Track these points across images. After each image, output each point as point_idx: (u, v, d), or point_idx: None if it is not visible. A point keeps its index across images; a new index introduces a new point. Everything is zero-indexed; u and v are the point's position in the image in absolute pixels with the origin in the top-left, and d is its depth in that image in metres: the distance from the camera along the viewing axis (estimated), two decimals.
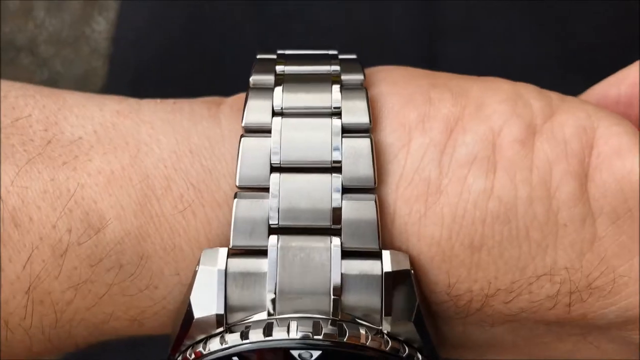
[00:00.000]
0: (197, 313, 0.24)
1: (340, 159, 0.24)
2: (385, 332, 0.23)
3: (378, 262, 0.23)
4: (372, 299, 0.23)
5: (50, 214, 0.25)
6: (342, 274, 0.23)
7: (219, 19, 0.52)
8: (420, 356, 0.24)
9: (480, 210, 0.24)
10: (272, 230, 0.24)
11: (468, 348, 0.28)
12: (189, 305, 0.24)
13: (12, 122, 0.26)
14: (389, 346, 0.23)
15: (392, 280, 0.23)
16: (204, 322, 0.24)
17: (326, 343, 0.23)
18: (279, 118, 0.25)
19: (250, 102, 0.25)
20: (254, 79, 0.26)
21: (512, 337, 0.27)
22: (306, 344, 0.23)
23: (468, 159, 0.24)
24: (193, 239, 0.25)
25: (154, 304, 0.26)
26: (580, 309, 0.25)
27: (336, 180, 0.24)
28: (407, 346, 0.24)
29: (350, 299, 0.23)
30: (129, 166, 0.25)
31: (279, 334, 0.23)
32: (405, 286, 0.24)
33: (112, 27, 1.14)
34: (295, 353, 0.23)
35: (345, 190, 0.24)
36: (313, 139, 0.24)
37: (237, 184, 0.24)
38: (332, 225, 0.24)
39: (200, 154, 0.26)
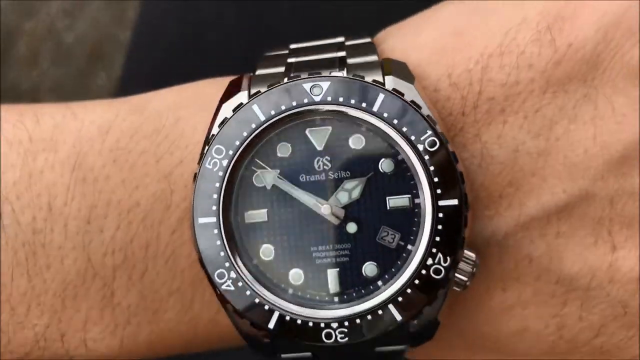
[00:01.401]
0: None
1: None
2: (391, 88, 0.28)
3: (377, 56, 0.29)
4: (372, 61, 0.28)
5: (98, 107, 0.31)
6: (347, 61, 0.29)
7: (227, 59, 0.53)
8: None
9: None
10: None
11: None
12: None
13: None
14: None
15: (389, 63, 0.28)
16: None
17: (332, 75, 0.27)
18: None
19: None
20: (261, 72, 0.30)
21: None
22: (315, 76, 0.27)
23: None
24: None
25: (182, 161, 0.29)
26: (564, 41, 0.28)
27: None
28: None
29: (352, 62, 0.28)
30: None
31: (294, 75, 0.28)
32: (403, 70, 0.28)
33: (115, 83, 1.17)
34: (307, 88, 0.27)
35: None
36: None
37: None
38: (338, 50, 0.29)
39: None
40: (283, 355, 0.28)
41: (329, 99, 0.27)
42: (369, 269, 0.27)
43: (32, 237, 0.29)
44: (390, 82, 0.27)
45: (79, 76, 1.24)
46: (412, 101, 0.27)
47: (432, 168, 0.26)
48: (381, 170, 0.27)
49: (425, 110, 0.27)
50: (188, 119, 0.30)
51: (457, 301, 0.30)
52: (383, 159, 0.27)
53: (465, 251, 0.27)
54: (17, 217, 0.29)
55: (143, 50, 0.60)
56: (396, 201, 0.27)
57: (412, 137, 0.27)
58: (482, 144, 0.28)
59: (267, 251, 0.28)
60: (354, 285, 0.27)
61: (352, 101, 0.27)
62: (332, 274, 0.27)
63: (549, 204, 0.28)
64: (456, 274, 0.27)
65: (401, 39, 0.30)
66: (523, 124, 0.28)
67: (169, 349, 0.31)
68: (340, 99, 0.27)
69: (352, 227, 0.27)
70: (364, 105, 0.27)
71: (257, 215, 0.28)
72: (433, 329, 0.28)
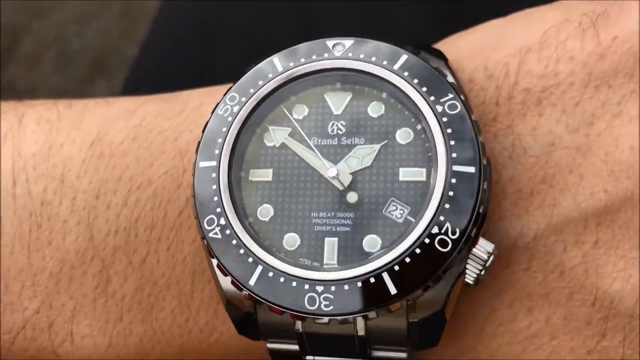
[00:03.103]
0: None
1: None
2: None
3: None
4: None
5: (131, 98, 0.32)
6: None
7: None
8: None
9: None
10: None
11: None
12: None
13: None
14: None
15: (423, 46, 0.28)
16: None
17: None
18: None
19: None
20: None
21: None
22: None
23: None
24: None
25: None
26: (609, 34, 0.26)
27: None
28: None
29: None
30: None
31: None
32: (437, 52, 0.27)
33: (114, 94, 1.16)
34: (330, 45, 0.27)
35: None
36: None
37: None
38: None
39: None
40: (269, 346, 0.26)
41: (350, 54, 0.26)
42: (371, 242, 0.25)
43: (40, 208, 0.28)
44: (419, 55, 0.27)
45: (79, 83, 1.23)
46: (437, 68, 0.26)
47: (449, 130, 0.24)
48: (398, 140, 0.26)
49: (450, 79, 0.26)
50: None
51: (473, 319, 0.26)
52: (401, 128, 0.26)
53: (482, 239, 0.24)
54: (29, 187, 0.29)
55: (147, 66, 0.60)
56: (409, 173, 0.25)
57: (432, 98, 0.25)
58: (515, 136, 0.26)
59: (264, 211, 0.26)
60: (351, 257, 0.25)
61: (373, 59, 0.26)
62: (329, 243, 0.25)
63: (587, 205, 0.25)
64: (468, 262, 0.24)
65: (445, 43, 0.29)
66: (561, 117, 0.26)
67: (160, 354, 0.29)
68: (361, 56, 0.26)
69: (356, 196, 0.25)
70: (384, 62, 0.26)
71: (262, 174, 0.27)
72: (438, 326, 0.24)
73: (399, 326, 0.24)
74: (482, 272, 0.24)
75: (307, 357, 0.26)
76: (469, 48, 0.28)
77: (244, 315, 0.25)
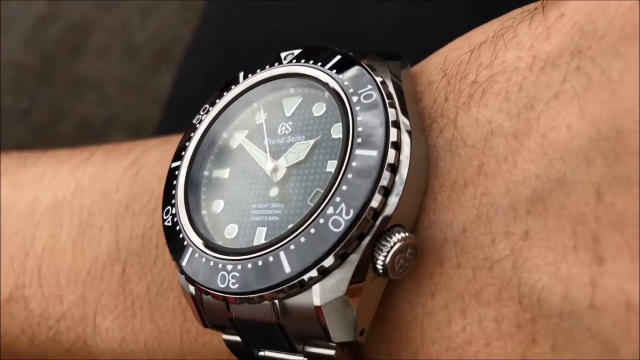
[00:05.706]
0: None
1: None
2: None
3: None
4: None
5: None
6: None
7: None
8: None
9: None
10: None
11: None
12: None
13: None
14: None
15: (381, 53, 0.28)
16: None
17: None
18: None
19: None
20: None
21: None
22: None
23: None
24: None
25: None
26: (555, 13, 0.25)
27: None
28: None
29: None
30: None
31: None
32: (389, 54, 0.28)
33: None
34: (282, 56, 0.29)
35: None
36: None
37: None
38: None
39: None
40: (223, 337, 0.28)
41: (294, 61, 0.28)
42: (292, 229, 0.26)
43: (88, 217, 0.34)
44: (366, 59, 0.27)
45: (144, 74, 1.27)
46: (369, 65, 0.26)
47: (359, 118, 0.25)
48: (332, 135, 0.27)
49: (383, 75, 0.26)
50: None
51: (414, 322, 0.25)
52: (336, 124, 0.27)
53: (400, 229, 0.24)
54: (83, 200, 0.34)
55: (201, 52, 0.61)
56: (334, 164, 0.26)
57: (351, 90, 0.26)
58: (458, 129, 0.25)
59: (216, 205, 0.28)
60: None
61: (311, 62, 0.28)
62: (259, 232, 0.26)
63: (517, 193, 0.22)
64: (375, 250, 0.24)
65: (435, 53, 0.29)
66: (503, 105, 0.24)
67: (165, 352, 0.32)
68: (302, 61, 0.28)
69: (287, 188, 0.27)
70: (319, 64, 0.27)
71: (221, 173, 0.29)
72: (346, 315, 0.24)
73: (308, 313, 0.24)
74: (387, 260, 0.23)
75: (259, 354, 0.27)
76: (440, 55, 0.28)
77: (194, 300, 0.27)
